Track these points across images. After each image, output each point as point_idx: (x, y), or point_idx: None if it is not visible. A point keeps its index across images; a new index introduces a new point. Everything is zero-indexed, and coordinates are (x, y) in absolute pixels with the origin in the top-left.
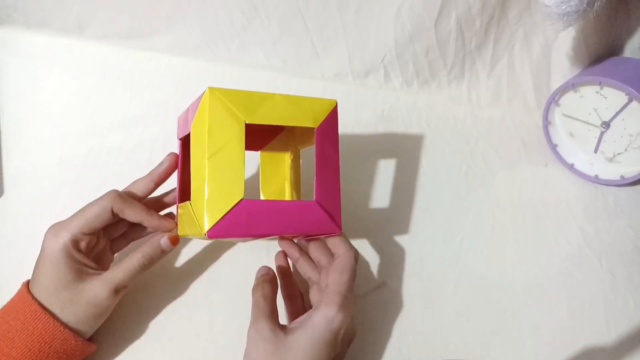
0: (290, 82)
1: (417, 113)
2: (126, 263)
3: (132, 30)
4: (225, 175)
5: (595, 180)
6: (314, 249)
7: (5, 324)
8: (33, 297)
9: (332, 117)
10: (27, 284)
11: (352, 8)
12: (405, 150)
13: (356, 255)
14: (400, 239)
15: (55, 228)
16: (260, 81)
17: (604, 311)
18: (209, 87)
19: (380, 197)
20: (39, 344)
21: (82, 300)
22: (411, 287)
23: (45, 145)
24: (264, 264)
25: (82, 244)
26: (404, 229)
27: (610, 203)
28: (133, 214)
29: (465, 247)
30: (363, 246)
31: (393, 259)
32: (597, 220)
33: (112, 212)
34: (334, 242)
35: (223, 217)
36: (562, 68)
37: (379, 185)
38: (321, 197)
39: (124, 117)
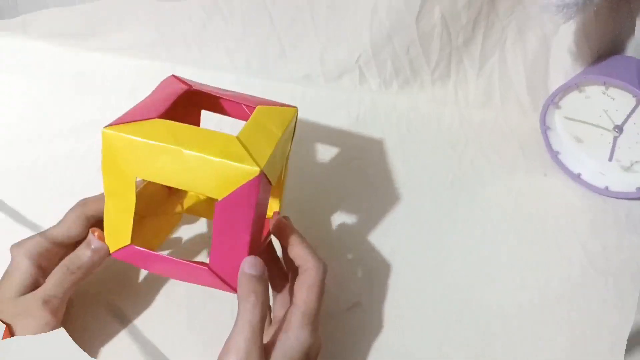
0: (255, 84)
1: (397, 116)
2: (53, 271)
3: (81, 29)
4: (118, 217)
5: (605, 192)
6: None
7: None
8: None
9: (250, 188)
10: None
11: (323, 2)
12: (382, 158)
13: (325, 269)
14: (377, 256)
15: (20, 242)
16: (222, 83)
17: (609, 342)
18: (103, 128)
19: (356, 210)
20: None
21: (20, 315)
22: (387, 309)
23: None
24: None
25: (45, 259)
26: (381, 245)
27: (621, 218)
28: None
29: (450, 265)
30: (336, 263)
31: (368, 277)
32: (605, 238)
33: (86, 216)
34: (300, 254)
35: (118, 250)
36: (563, 66)
37: (354, 197)
38: (217, 263)
39: (76, 122)
